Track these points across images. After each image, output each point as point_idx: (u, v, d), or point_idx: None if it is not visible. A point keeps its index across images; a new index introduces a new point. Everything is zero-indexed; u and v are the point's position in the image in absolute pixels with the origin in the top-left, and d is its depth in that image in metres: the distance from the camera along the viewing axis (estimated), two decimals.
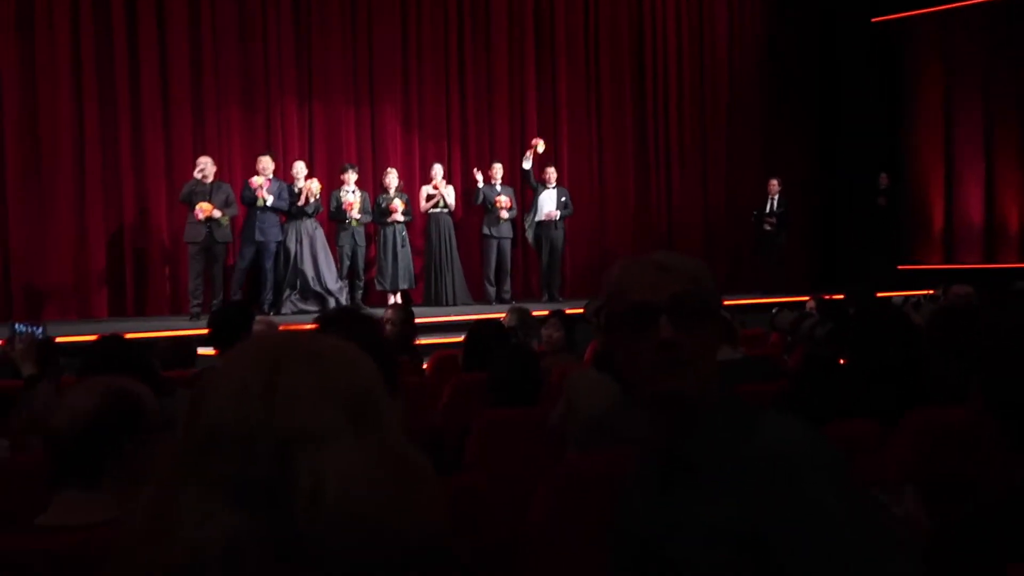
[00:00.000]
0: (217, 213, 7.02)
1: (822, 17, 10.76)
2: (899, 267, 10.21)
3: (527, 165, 8.55)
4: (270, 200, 7.39)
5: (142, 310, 7.71)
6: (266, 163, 7.37)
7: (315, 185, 7.60)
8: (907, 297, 6.35)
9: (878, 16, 10.68)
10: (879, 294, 6.69)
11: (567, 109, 9.52)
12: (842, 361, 3.01)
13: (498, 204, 8.28)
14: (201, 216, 6.93)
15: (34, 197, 7.35)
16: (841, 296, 6.22)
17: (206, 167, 7.13)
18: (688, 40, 10.23)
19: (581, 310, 5.82)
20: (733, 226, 10.13)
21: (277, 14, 8.23)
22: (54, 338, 4.22)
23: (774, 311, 3.66)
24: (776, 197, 9.48)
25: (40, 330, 3.85)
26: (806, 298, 5.97)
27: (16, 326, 3.62)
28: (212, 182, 7.15)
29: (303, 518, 0.69)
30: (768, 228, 9.43)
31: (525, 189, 8.91)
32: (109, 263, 7.64)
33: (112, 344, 2.92)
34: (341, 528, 0.70)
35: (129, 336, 3.66)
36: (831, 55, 10.81)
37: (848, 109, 10.77)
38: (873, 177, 10.20)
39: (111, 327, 3.70)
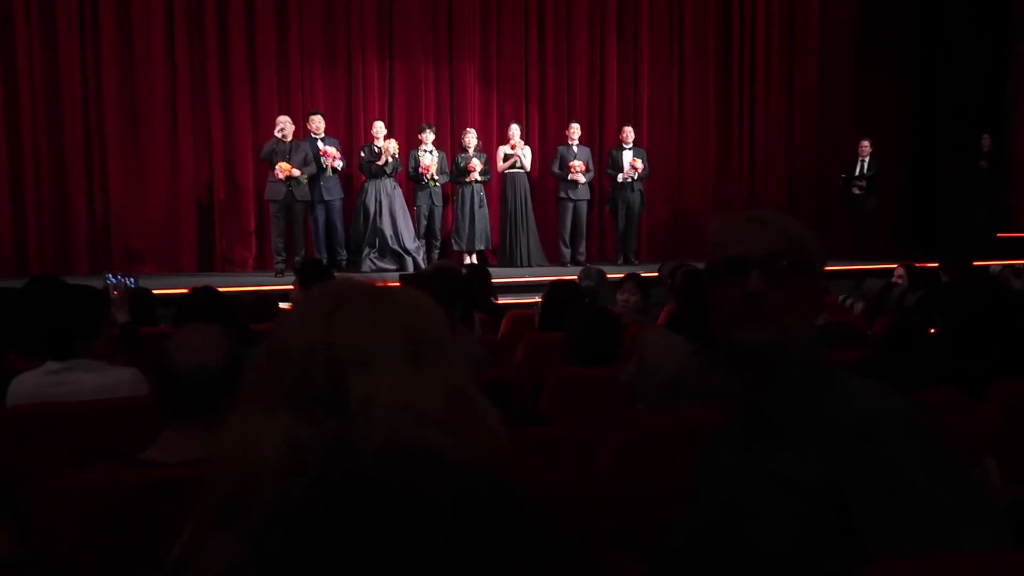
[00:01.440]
0: (296, 172, 7.22)
1: None
2: (998, 235, 9.69)
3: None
4: (340, 166, 7.57)
5: (229, 266, 8.05)
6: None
7: (393, 145, 7.72)
8: (1005, 266, 6.06)
9: None
10: (976, 262, 6.40)
11: (648, 67, 9.33)
12: (932, 331, 2.92)
13: (572, 169, 8.22)
14: (281, 175, 7.15)
15: (131, 156, 7.76)
16: (935, 264, 5.99)
17: (285, 126, 7.33)
18: None
19: (656, 273, 5.78)
20: (820, 189, 9.78)
21: None
22: (151, 290, 4.48)
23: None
24: (867, 159, 9.10)
25: (133, 281, 4.09)
26: (895, 265, 5.77)
27: (108, 276, 3.86)
28: (291, 141, 7.34)
29: (355, 429, 0.75)
30: (857, 192, 9.08)
31: (603, 152, 8.85)
32: (199, 219, 7.99)
33: (205, 295, 3.09)
34: (391, 443, 0.74)
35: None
36: (930, 9, 10.20)
37: (948, 67, 10.16)
38: (975, 139, 9.66)
39: (200, 281, 3.90)
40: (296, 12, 8.18)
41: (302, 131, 7.74)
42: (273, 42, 8.11)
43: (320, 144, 7.54)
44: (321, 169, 7.47)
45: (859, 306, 5.03)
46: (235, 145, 8.09)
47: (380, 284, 0.87)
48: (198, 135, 7.97)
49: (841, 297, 5.49)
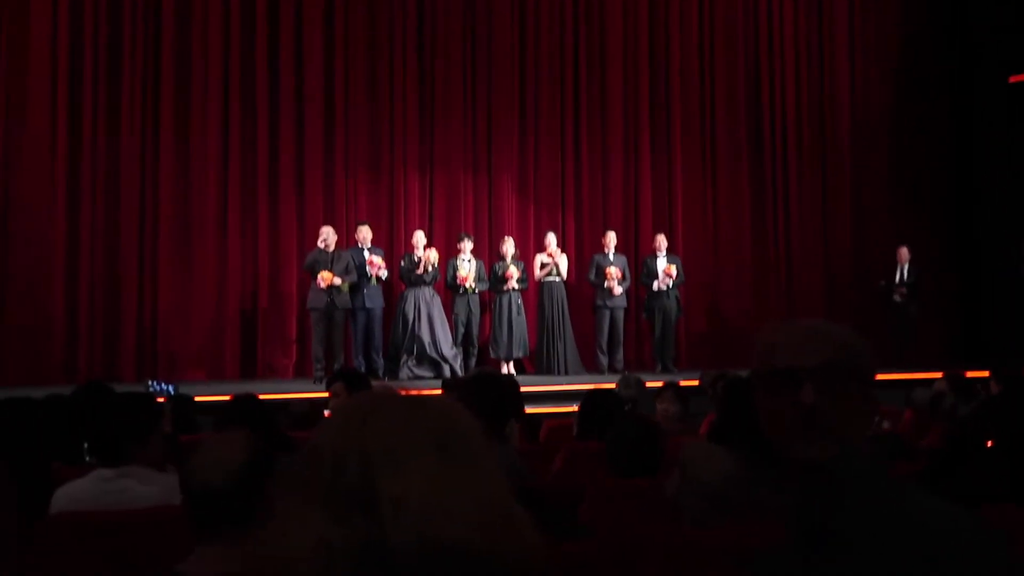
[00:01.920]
0: (337, 280, 7.42)
1: (953, 77, 10.33)
2: None
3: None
4: (384, 275, 7.76)
5: (270, 373, 8.16)
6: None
7: (433, 255, 7.89)
8: None
9: (1016, 75, 10.16)
10: None
11: (681, 177, 9.50)
12: (989, 443, 2.82)
13: (608, 276, 8.30)
14: (323, 284, 7.35)
15: (182, 264, 8.07)
16: (985, 373, 5.82)
17: (328, 236, 7.59)
18: (808, 101, 9.98)
19: (696, 382, 5.70)
20: (859, 296, 9.68)
21: (404, 88, 8.76)
22: (192, 396, 4.55)
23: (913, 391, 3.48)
24: (906, 266, 9.03)
25: (173, 388, 4.17)
26: (941, 374, 5.62)
27: (152, 383, 3.94)
28: (334, 251, 7.57)
29: (387, 530, 0.75)
30: (898, 299, 8.97)
31: (639, 260, 8.96)
32: (243, 327, 8.18)
33: (245, 403, 3.12)
34: (422, 544, 0.75)
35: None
36: (965, 117, 10.29)
37: (985, 173, 10.17)
38: (1016, 244, 9.56)
39: (240, 388, 3.95)
40: (343, 125, 8.59)
41: (345, 241, 7.98)
42: (320, 154, 8.50)
43: (366, 253, 7.75)
44: (365, 278, 7.65)
45: (900, 418, 4.88)
46: (280, 254, 8.36)
47: (415, 392, 0.90)
48: (246, 244, 8.27)
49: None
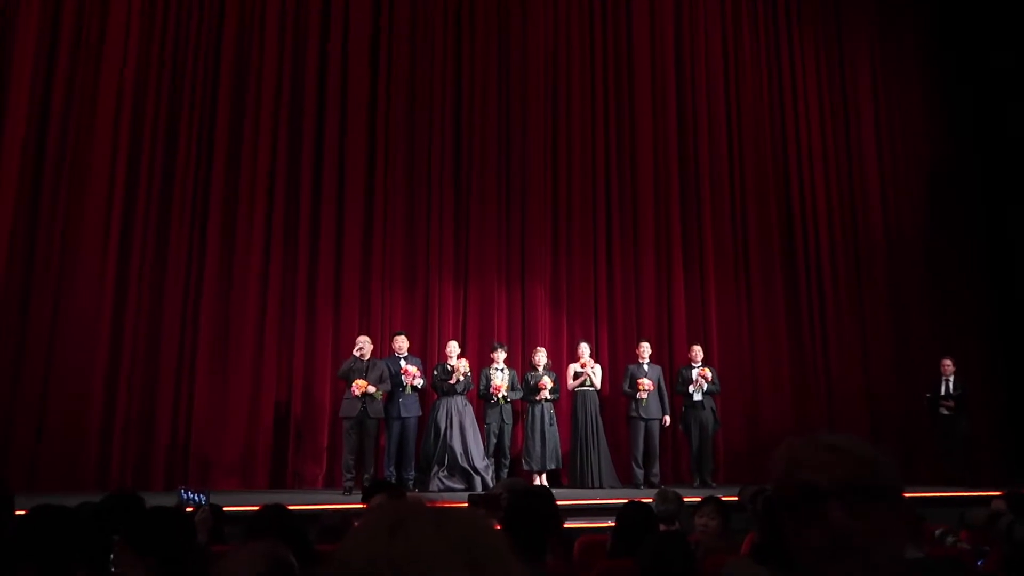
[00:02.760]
0: (372, 388, 7.43)
1: (988, 177, 10.30)
2: None
3: (698, 396, 8.42)
4: (420, 384, 7.76)
5: (299, 483, 8.07)
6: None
7: (464, 365, 7.90)
8: None
9: None
10: None
11: (715, 287, 9.52)
12: None
13: (640, 387, 8.21)
14: (357, 392, 7.39)
15: (219, 372, 8.16)
16: None
17: (364, 346, 7.66)
18: (840, 206, 10.03)
19: (736, 497, 5.51)
20: (904, 409, 9.41)
21: (440, 200, 9.03)
22: (222, 507, 4.50)
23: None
24: (951, 378, 8.80)
25: (204, 498, 4.13)
26: (998, 492, 5.36)
27: (183, 492, 3.92)
28: (368, 360, 7.62)
29: None
30: (945, 412, 8.69)
31: (674, 371, 8.86)
32: (275, 435, 8.17)
33: (273, 514, 3.08)
34: None
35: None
36: (1002, 222, 10.23)
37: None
38: None
39: (270, 498, 3.91)
40: (380, 237, 8.82)
41: (380, 350, 8.05)
42: (358, 266, 8.70)
43: (402, 363, 7.80)
44: (400, 387, 7.67)
45: (954, 539, 4.63)
46: (316, 363, 8.44)
47: (443, 504, 0.89)
48: (282, 353, 8.37)
49: (938, 532, 5.08)
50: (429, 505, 0.86)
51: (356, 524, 0.87)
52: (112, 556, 2.22)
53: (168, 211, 8.30)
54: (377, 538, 0.81)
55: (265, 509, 3.12)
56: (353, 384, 7.42)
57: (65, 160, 8.06)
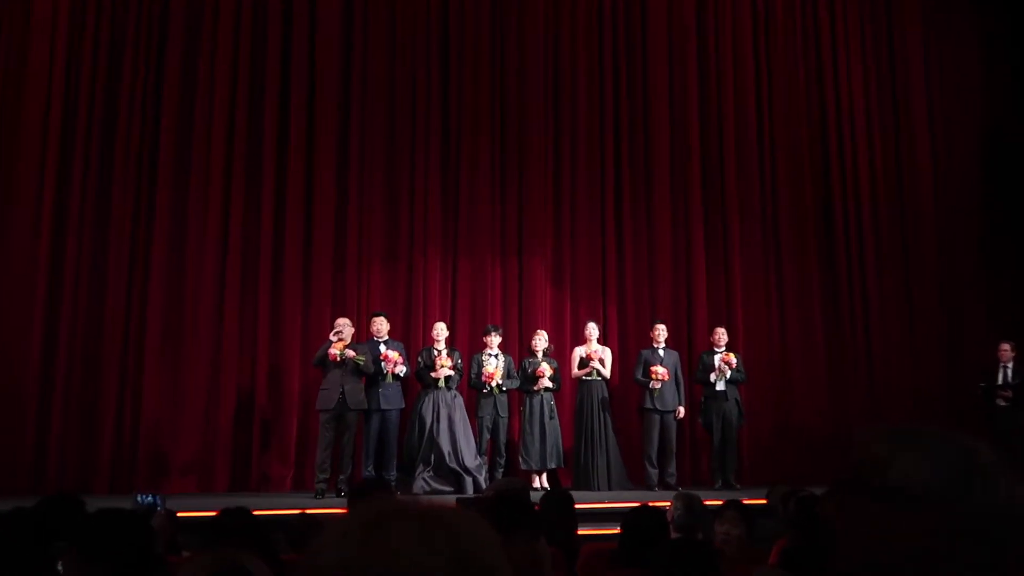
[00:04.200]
0: (350, 353, 7.43)
1: None
2: None
3: (721, 386, 8.43)
4: (403, 372, 7.77)
5: (265, 485, 8.12)
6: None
7: (451, 358, 7.83)
8: None
9: None
10: None
11: (740, 261, 9.51)
12: None
13: (653, 375, 8.23)
14: (335, 352, 7.36)
15: (170, 363, 8.16)
16: None
17: (344, 329, 7.64)
18: (884, 172, 9.98)
19: (764, 500, 5.55)
20: (955, 398, 9.44)
21: (425, 161, 8.99)
22: (176, 512, 4.52)
23: None
24: (1010, 365, 8.83)
25: (160, 501, 4.15)
26: None
27: (139, 496, 3.94)
28: (349, 344, 7.61)
29: None
30: (1003, 403, 8.74)
31: (693, 356, 8.90)
32: (236, 433, 8.18)
33: (235, 518, 3.09)
34: None
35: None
36: None
37: None
38: None
39: (231, 502, 3.92)
40: (356, 202, 8.78)
41: (360, 335, 8.04)
42: (330, 237, 8.68)
43: (382, 347, 7.79)
44: (380, 376, 7.67)
45: None
46: (283, 348, 8.44)
47: (422, 500, 0.88)
48: (244, 338, 8.37)
49: None
50: (415, 505, 0.86)
51: (330, 523, 0.87)
52: (61, 565, 2.23)
53: (109, 172, 8.25)
54: (351, 539, 0.80)
55: (225, 513, 3.14)
56: (332, 347, 7.39)
57: None
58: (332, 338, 7.58)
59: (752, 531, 4.18)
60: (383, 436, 7.74)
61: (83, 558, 2.19)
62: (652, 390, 8.24)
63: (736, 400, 8.46)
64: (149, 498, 3.62)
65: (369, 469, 7.63)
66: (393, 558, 0.78)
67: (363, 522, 0.82)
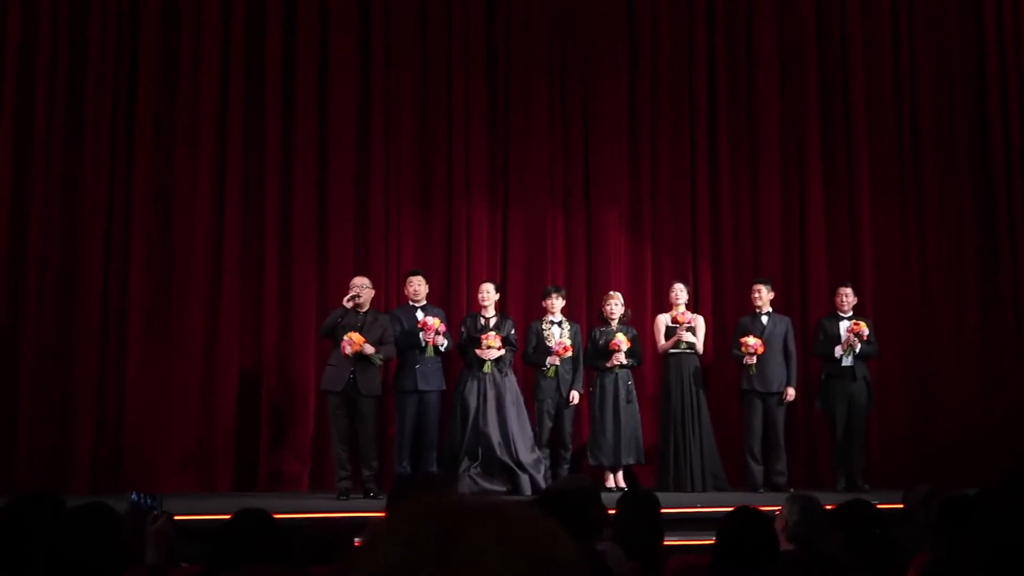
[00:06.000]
0: (370, 348, 7.52)
1: None
2: None
3: (848, 361, 8.36)
4: (445, 345, 7.84)
5: (277, 483, 8.31)
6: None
7: (494, 344, 7.79)
8: None
9: None
10: None
11: (870, 204, 9.38)
12: None
13: (744, 347, 8.19)
14: (349, 350, 7.44)
15: (157, 341, 8.33)
16: None
17: (361, 291, 7.71)
18: None
19: (897, 504, 5.53)
20: None
21: (466, 87, 9.00)
22: (173, 515, 4.67)
23: None
24: None
25: (155, 502, 4.28)
26: None
27: (133, 496, 4.07)
28: (367, 312, 7.73)
29: None
30: None
31: (808, 323, 8.84)
32: (240, 422, 8.37)
33: (253, 524, 3.17)
34: None
35: None
36: None
37: None
38: None
39: (236, 503, 4.03)
40: (381, 139, 8.84)
41: (385, 300, 8.15)
42: (350, 181, 8.76)
43: (419, 314, 7.86)
44: (418, 348, 7.76)
45: None
46: (294, 320, 8.58)
47: (484, 497, 0.92)
48: (246, 307, 8.52)
49: None
50: (484, 504, 0.90)
51: (379, 531, 0.90)
52: None
53: (80, 105, 8.38)
54: (423, 555, 0.84)
55: (240, 517, 3.21)
56: (343, 340, 7.49)
57: None
58: (346, 303, 7.65)
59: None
60: (421, 423, 7.85)
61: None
62: (747, 366, 8.24)
63: (865, 379, 8.39)
64: (146, 499, 3.74)
65: (404, 464, 7.75)
66: (474, 563, 0.82)
67: (434, 530, 0.85)
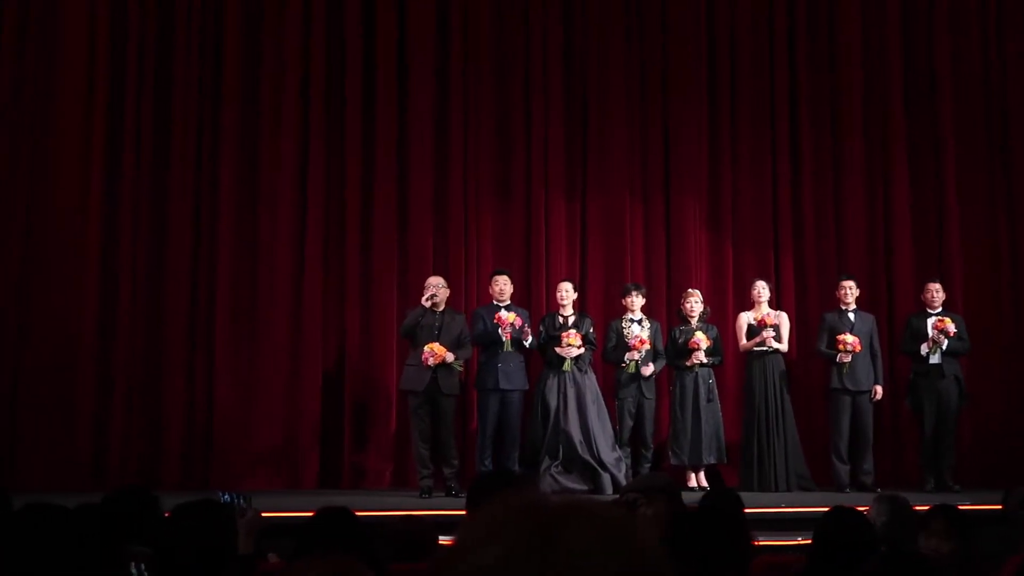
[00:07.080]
0: (450, 357, 7.59)
1: None
2: None
3: (935, 359, 8.22)
4: (530, 341, 7.87)
5: (360, 481, 8.43)
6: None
7: (574, 342, 7.81)
8: None
9: None
10: None
11: (957, 195, 9.18)
12: None
13: (840, 345, 8.08)
14: (431, 361, 7.52)
15: (245, 342, 8.53)
16: None
17: (437, 291, 7.80)
18: None
19: (991, 506, 5.41)
20: None
21: (545, 83, 9.01)
22: (260, 512, 4.76)
23: None
24: None
25: (245, 500, 4.37)
26: None
27: (223, 495, 4.15)
28: (444, 311, 7.80)
29: None
30: None
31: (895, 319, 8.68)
32: (324, 420, 8.52)
33: (334, 521, 3.23)
34: None
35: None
36: None
37: None
38: None
39: (320, 501, 4.11)
40: (460, 136, 8.90)
41: (464, 300, 8.25)
42: (430, 183, 8.83)
43: (503, 313, 7.85)
44: (499, 344, 7.79)
45: None
46: (374, 318, 8.70)
47: (593, 501, 0.92)
48: (329, 307, 8.66)
49: None
50: (583, 503, 0.90)
51: (475, 531, 0.90)
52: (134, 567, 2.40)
53: (167, 114, 8.60)
54: (524, 550, 0.84)
55: (323, 514, 3.27)
56: (425, 349, 7.57)
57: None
58: (424, 303, 7.74)
59: (969, 544, 4.09)
60: (503, 422, 7.90)
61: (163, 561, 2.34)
62: (841, 364, 8.12)
63: (956, 376, 8.24)
64: (237, 498, 3.83)
65: (486, 463, 7.81)
66: (576, 565, 0.82)
67: (535, 530, 0.85)
